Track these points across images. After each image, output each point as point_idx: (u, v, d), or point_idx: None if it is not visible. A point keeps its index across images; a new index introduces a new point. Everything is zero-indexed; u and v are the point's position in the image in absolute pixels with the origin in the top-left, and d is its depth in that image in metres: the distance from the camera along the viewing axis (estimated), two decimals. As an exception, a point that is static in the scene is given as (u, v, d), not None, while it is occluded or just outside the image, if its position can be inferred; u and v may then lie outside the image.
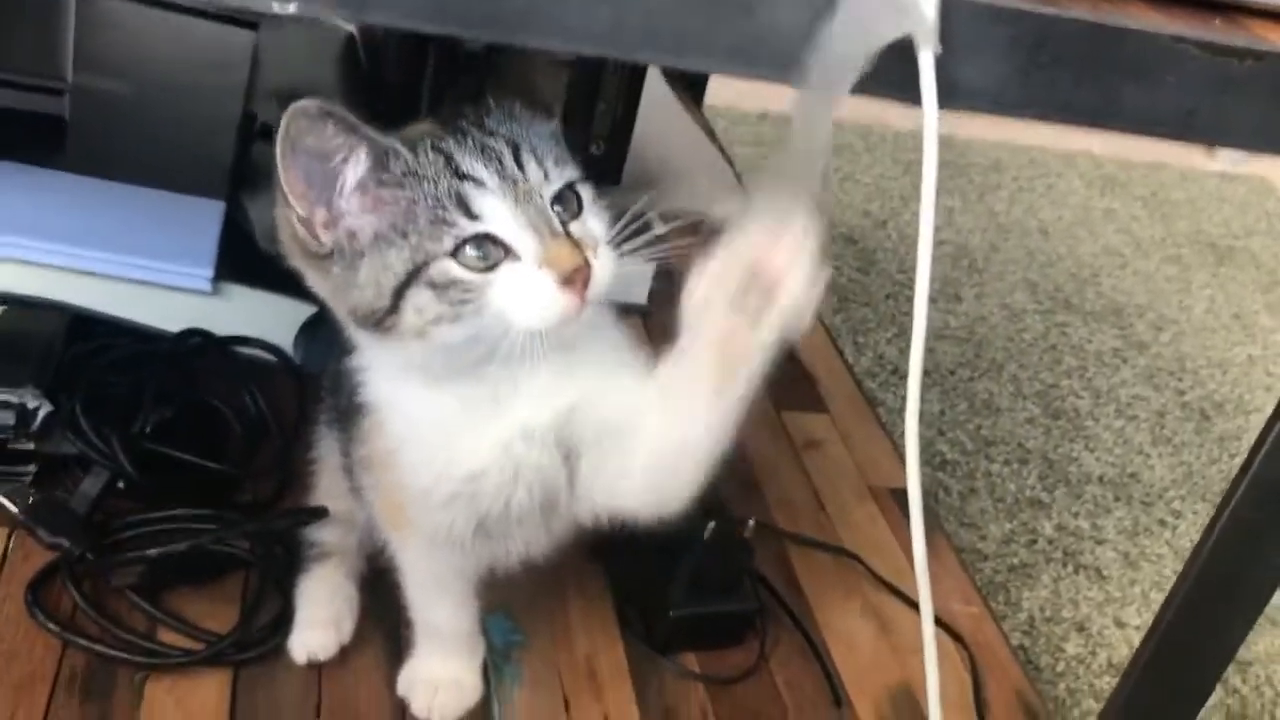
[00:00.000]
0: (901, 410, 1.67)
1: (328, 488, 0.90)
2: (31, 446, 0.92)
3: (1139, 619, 1.42)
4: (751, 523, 0.92)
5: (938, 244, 2.15)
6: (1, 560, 0.87)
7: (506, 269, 0.62)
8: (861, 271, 2.00)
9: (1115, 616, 1.41)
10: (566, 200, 0.65)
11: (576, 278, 0.62)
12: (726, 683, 0.91)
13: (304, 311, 1.05)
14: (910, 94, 0.54)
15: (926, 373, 1.74)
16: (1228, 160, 2.77)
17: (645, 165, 1.39)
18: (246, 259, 1.06)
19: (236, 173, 1.15)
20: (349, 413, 0.76)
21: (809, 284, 0.58)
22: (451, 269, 0.62)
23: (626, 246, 0.66)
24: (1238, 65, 0.57)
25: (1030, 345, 1.92)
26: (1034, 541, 1.50)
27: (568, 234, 0.64)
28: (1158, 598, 1.45)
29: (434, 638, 0.83)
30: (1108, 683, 1.32)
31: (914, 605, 1.01)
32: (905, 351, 1.80)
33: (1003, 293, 2.05)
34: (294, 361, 1.07)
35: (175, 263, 1.03)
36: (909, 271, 2.00)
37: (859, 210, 2.20)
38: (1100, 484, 1.64)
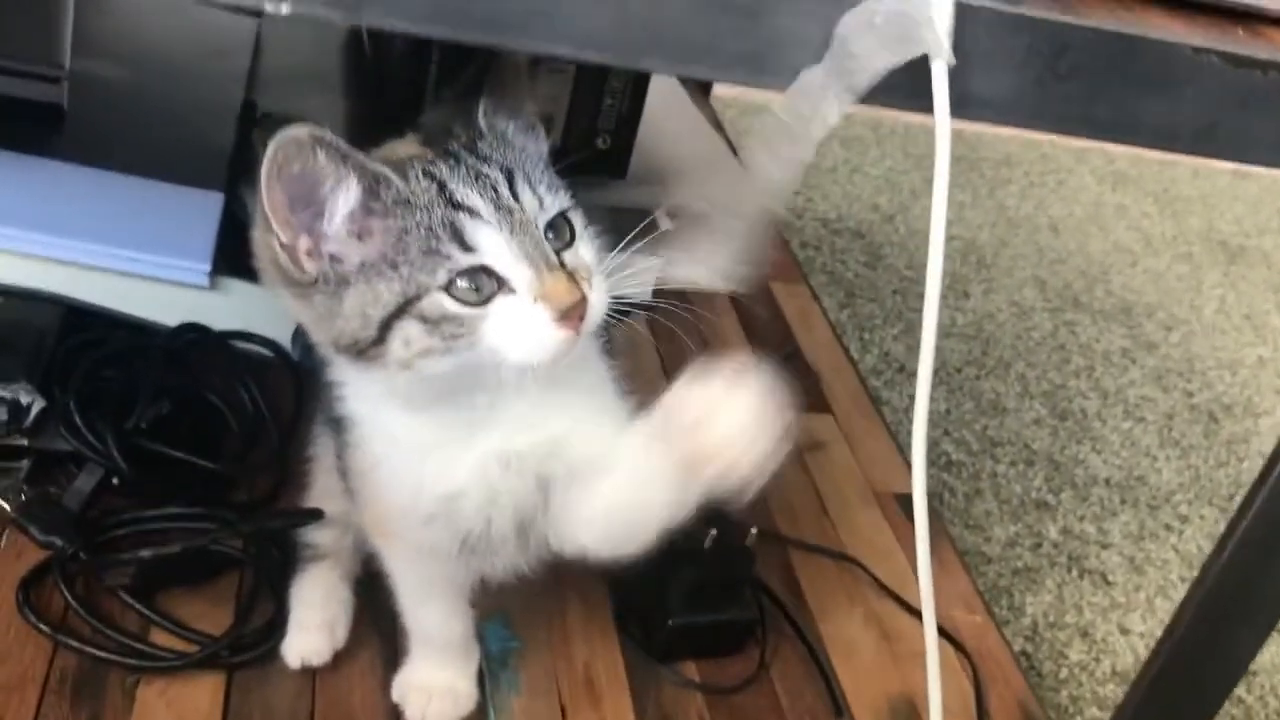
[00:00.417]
0: (907, 410, 1.66)
1: (324, 488, 0.89)
2: (24, 442, 0.91)
3: (1143, 625, 1.40)
4: (754, 531, 0.91)
5: (947, 239, 2.14)
6: (-8, 558, 0.86)
7: (501, 303, 0.61)
8: (869, 266, 1.98)
9: (1119, 623, 1.40)
10: (559, 228, 0.64)
11: (573, 312, 0.61)
12: (726, 692, 0.90)
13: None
14: (923, 104, 0.52)
15: (933, 372, 1.72)
16: (1241, 157, 2.74)
17: (652, 159, 1.37)
18: (245, 252, 1.04)
19: (236, 163, 1.14)
20: (336, 418, 0.75)
21: (749, 455, 0.59)
22: (444, 303, 0.60)
23: (616, 276, 0.64)
24: (1261, 77, 0.55)
25: (1038, 344, 1.90)
26: (1039, 545, 1.49)
27: (562, 264, 0.62)
28: (1163, 604, 1.44)
29: (427, 644, 0.82)
30: (1111, 690, 1.30)
31: (917, 613, 1.00)
32: (912, 349, 1.78)
33: (1011, 289, 2.03)
34: (292, 358, 1.05)
35: (172, 256, 1.02)
36: (917, 267, 1.98)
37: (867, 204, 2.18)
38: (1107, 486, 1.62)
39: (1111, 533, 1.54)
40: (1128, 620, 1.41)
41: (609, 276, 0.64)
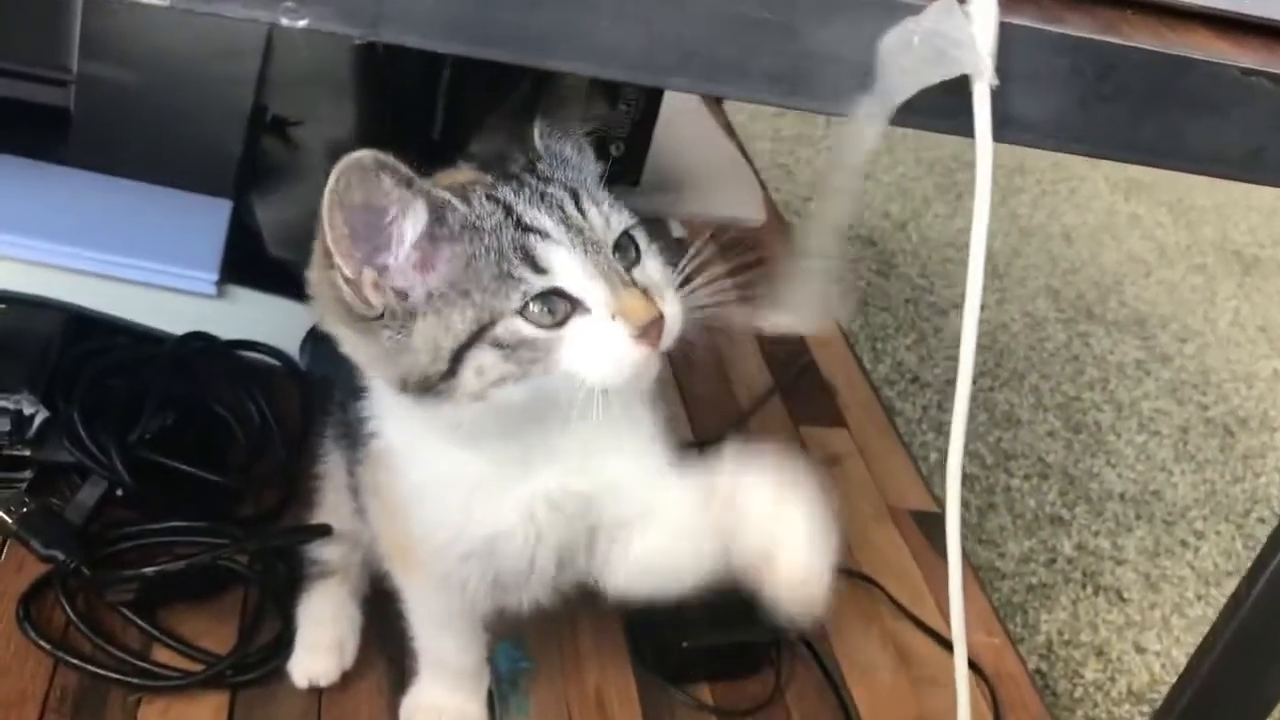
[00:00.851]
0: (920, 420, 1.64)
1: (333, 504, 0.87)
2: (27, 453, 0.89)
3: (1159, 644, 1.38)
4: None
5: (958, 249, 2.12)
6: (-7, 572, 0.85)
7: (576, 324, 0.59)
8: (881, 275, 1.96)
9: (1135, 641, 1.38)
10: (624, 247, 0.62)
11: (651, 329, 0.59)
12: (740, 715, 0.89)
13: (311, 316, 1.01)
14: (962, 126, 0.50)
15: (945, 382, 1.71)
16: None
17: (665, 166, 1.36)
18: (253, 260, 1.03)
19: (245, 169, 1.12)
20: (358, 433, 0.73)
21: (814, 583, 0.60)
22: (520, 327, 0.58)
23: (685, 290, 0.63)
24: (1311, 100, 0.53)
25: (1052, 355, 1.88)
26: (1053, 560, 1.47)
27: (634, 282, 0.60)
28: (1178, 622, 1.42)
29: (438, 668, 0.80)
30: (1126, 711, 1.29)
31: (934, 634, 0.99)
32: (924, 359, 1.77)
33: (1024, 300, 2.01)
34: (300, 368, 1.04)
35: (179, 264, 1.00)
36: (930, 276, 1.96)
37: (879, 211, 2.16)
38: (1121, 501, 1.60)
39: (1126, 548, 1.52)
40: (1143, 639, 1.39)
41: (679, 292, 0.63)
